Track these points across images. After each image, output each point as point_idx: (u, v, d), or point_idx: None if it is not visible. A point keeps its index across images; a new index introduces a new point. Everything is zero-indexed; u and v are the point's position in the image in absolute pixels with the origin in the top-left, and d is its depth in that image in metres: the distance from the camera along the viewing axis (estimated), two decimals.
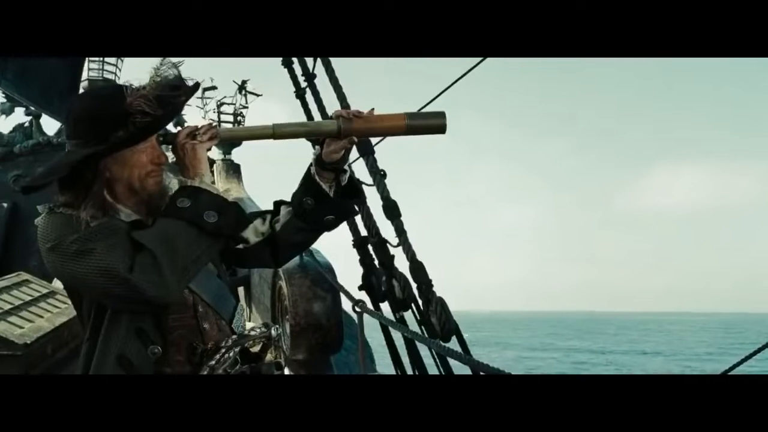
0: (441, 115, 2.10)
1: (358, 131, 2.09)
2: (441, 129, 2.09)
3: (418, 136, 2.13)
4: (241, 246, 2.22)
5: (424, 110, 2.68)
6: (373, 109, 2.11)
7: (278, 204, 2.32)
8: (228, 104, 13.50)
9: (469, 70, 3.54)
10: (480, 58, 3.28)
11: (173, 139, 2.05)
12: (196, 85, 2.02)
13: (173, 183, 2.06)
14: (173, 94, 1.94)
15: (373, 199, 3.88)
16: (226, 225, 1.93)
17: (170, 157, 2.09)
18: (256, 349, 2.04)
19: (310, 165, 2.20)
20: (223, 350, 1.98)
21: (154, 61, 1.89)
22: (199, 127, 2.05)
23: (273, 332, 2.05)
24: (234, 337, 2.03)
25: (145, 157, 2.00)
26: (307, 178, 2.20)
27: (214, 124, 2.05)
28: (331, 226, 2.27)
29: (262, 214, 2.31)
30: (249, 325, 2.21)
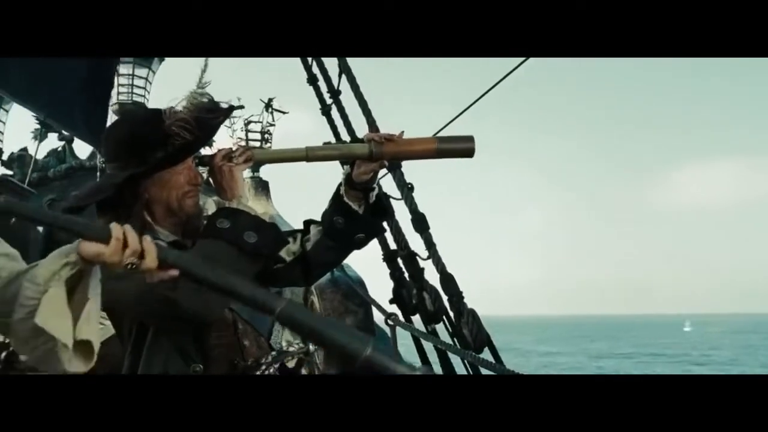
0: (470, 139, 2.14)
1: (388, 154, 2.14)
2: (469, 153, 2.14)
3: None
4: (277, 265, 2.24)
5: (462, 112, 2.71)
6: (402, 132, 2.15)
7: (308, 223, 2.36)
8: (255, 122, 13.63)
9: (511, 71, 3.57)
10: (523, 58, 3.27)
11: (210, 162, 2.11)
12: (231, 108, 2.07)
13: (209, 203, 2.11)
14: (209, 116, 2.00)
15: (401, 212, 3.90)
16: (265, 245, 1.98)
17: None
18: (291, 364, 2.08)
19: (340, 185, 2.24)
20: (263, 366, 2.03)
21: (184, 87, 1.93)
22: (235, 149, 2.10)
23: (311, 347, 2.08)
24: (273, 353, 2.08)
25: (182, 179, 2.06)
26: (337, 197, 2.23)
27: (249, 146, 2.09)
28: (361, 244, 2.31)
29: (292, 233, 2.35)
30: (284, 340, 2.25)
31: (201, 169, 2.14)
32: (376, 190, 2.26)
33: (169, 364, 1.95)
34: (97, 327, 1.51)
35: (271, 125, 14.10)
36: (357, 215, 2.21)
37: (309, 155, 2.17)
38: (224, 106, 2.06)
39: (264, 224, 2.01)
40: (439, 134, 3.10)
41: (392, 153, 2.15)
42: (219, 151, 2.12)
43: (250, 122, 13.72)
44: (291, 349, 2.10)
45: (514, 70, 3.70)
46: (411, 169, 3.83)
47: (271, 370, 2.02)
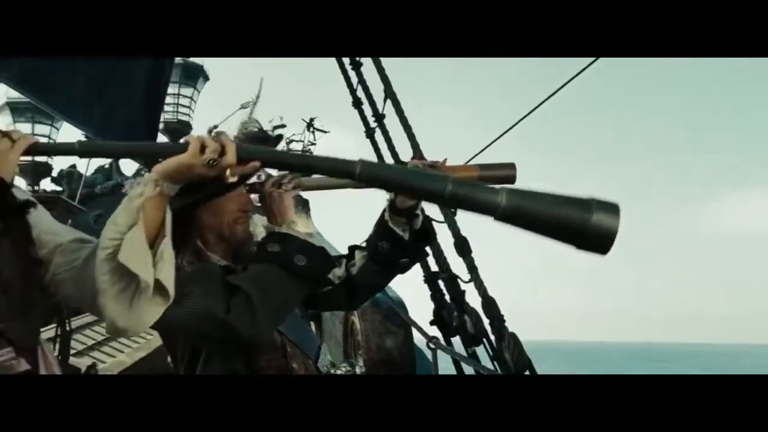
0: (511, 166, 2.18)
1: None
2: (511, 180, 2.17)
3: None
4: (328, 288, 2.30)
5: (502, 134, 2.74)
6: (446, 159, 2.20)
7: (353, 249, 2.42)
8: (297, 141, 13.80)
9: (580, 72, 3.59)
10: (593, 58, 3.29)
11: (260, 188, 2.17)
12: (280, 137, 2.15)
13: (259, 230, 2.18)
14: (261, 145, 2.06)
15: (443, 235, 3.93)
16: (315, 267, 2.04)
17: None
18: None
19: (384, 211, 2.29)
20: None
21: (226, 106, 1.98)
22: (285, 176, 2.16)
23: (358, 370, 2.13)
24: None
25: (234, 205, 2.14)
26: (381, 223, 2.28)
27: (297, 174, 2.16)
28: (405, 268, 2.37)
29: (337, 258, 2.39)
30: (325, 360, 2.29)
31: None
32: (420, 216, 2.30)
33: None
34: (172, 267, 1.59)
35: (312, 144, 14.27)
36: (401, 240, 2.26)
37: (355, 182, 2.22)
38: (273, 134, 2.14)
39: (313, 248, 2.06)
40: (480, 154, 3.14)
41: None
42: (269, 177, 2.18)
43: (291, 141, 13.88)
44: (338, 372, 2.14)
45: (554, 93, 3.72)
46: None
47: None
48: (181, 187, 2.01)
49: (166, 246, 1.60)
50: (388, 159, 4.13)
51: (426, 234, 2.36)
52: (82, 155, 1.68)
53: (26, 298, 1.65)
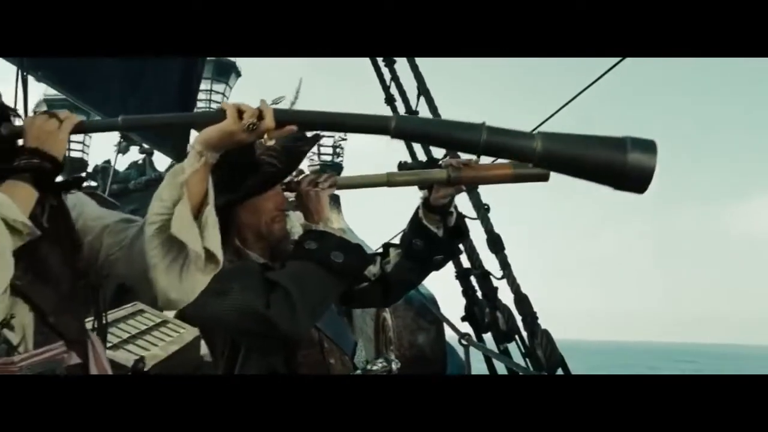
0: None
1: (466, 179, 2.20)
2: (544, 177, 2.16)
3: None
4: (363, 285, 2.33)
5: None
6: (480, 157, 2.19)
7: (387, 246, 2.46)
8: (327, 137, 13.85)
9: (606, 72, 3.58)
10: (619, 58, 3.28)
11: (297, 187, 2.21)
12: (317, 137, 2.16)
13: (295, 228, 2.20)
14: (297, 144, 2.09)
15: (476, 232, 3.93)
16: (352, 264, 2.07)
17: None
18: None
19: (418, 208, 2.31)
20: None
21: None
22: (321, 175, 2.20)
23: (394, 366, 2.14)
24: (358, 371, 2.13)
25: (271, 204, 2.17)
26: (415, 220, 2.31)
27: (333, 173, 2.19)
28: (439, 265, 2.40)
29: (372, 256, 2.43)
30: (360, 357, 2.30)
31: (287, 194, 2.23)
32: (454, 213, 2.32)
33: None
34: (217, 233, 1.64)
35: (343, 140, 14.32)
36: (436, 238, 2.28)
37: (390, 181, 2.25)
38: (309, 135, 2.15)
39: (350, 245, 2.09)
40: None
41: (469, 178, 2.22)
42: (305, 177, 2.23)
43: (321, 137, 13.94)
44: (374, 368, 2.16)
45: (582, 92, 3.70)
46: (488, 189, 3.86)
47: None
48: (219, 187, 2.04)
49: (210, 213, 1.64)
50: (421, 156, 4.13)
51: (460, 231, 2.37)
52: (125, 130, 1.72)
53: (74, 293, 1.71)
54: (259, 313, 1.91)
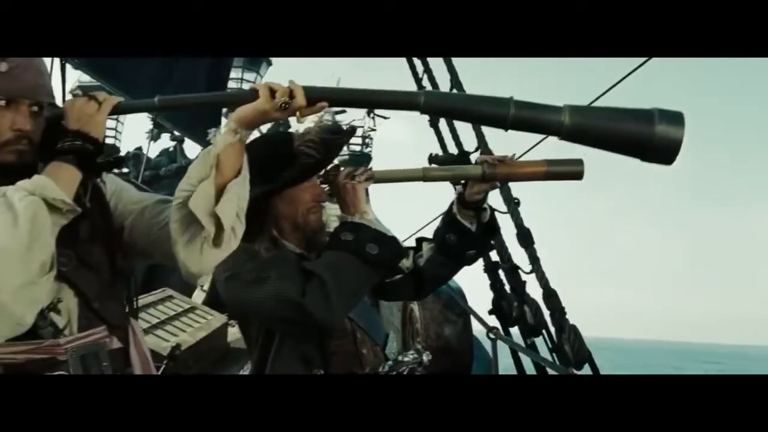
0: (579, 162, 2.18)
1: (500, 176, 2.22)
2: (578, 176, 2.18)
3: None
4: (395, 278, 2.36)
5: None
6: (514, 154, 2.24)
7: (420, 240, 2.48)
8: (357, 127, 13.89)
9: (634, 70, 3.57)
10: (645, 58, 3.26)
11: (334, 179, 2.24)
12: (353, 129, 2.19)
13: (331, 219, 2.23)
14: (334, 137, 2.12)
15: (506, 226, 3.93)
16: (386, 256, 2.10)
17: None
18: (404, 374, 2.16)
19: (452, 204, 2.34)
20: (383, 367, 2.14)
21: None
22: (358, 169, 2.23)
23: (424, 358, 2.16)
24: (390, 362, 2.18)
25: (308, 195, 2.21)
26: (449, 215, 2.34)
27: (370, 166, 2.22)
28: (471, 260, 2.42)
29: (406, 249, 2.43)
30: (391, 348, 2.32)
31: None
32: (488, 210, 2.35)
33: (294, 369, 2.08)
34: (233, 207, 1.68)
35: (373, 130, 14.37)
36: (469, 233, 2.31)
37: (425, 175, 2.28)
38: (346, 127, 2.19)
39: (385, 237, 2.12)
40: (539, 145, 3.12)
41: (504, 175, 2.23)
42: (343, 169, 2.25)
43: (357, 129, 14.00)
44: (405, 359, 2.18)
45: (608, 90, 3.67)
46: (518, 183, 3.85)
47: None
48: (258, 177, 2.07)
49: (233, 186, 1.68)
50: (452, 149, 4.15)
51: (493, 227, 2.40)
52: (161, 110, 1.75)
53: (115, 280, 1.78)
54: (295, 300, 1.95)
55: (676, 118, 1.60)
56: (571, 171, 2.18)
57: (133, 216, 1.83)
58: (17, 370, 1.52)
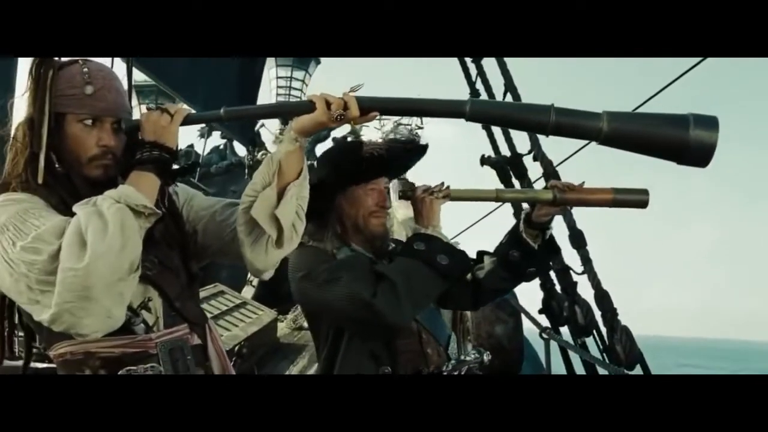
0: (644, 192, 2.27)
1: (570, 201, 2.35)
2: (643, 205, 2.27)
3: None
4: (457, 288, 2.45)
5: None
6: (583, 182, 2.34)
7: (481, 254, 2.60)
8: (404, 125, 13.92)
9: (686, 71, 3.56)
10: (700, 59, 3.28)
11: (412, 194, 2.38)
12: (425, 146, 2.31)
13: (395, 227, 2.34)
14: (400, 145, 2.24)
15: (557, 227, 3.95)
16: (456, 267, 2.22)
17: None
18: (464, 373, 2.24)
19: (518, 222, 2.47)
20: (444, 374, 2.24)
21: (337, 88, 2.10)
22: (437, 186, 2.37)
23: (485, 358, 2.24)
24: (453, 362, 2.28)
25: (370, 200, 2.34)
26: (515, 234, 2.46)
27: (447, 184, 2.35)
28: (531, 277, 2.56)
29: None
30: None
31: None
32: (551, 230, 2.47)
33: (361, 367, 2.18)
34: (292, 209, 1.84)
35: (420, 128, 14.37)
36: (533, 251, 2.44)
37: (498, 197, 2.45)
38: (419, 142, 2.37)
39: (455, 250, 2.26)
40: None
41: (573, 200, 2.34)
42: (421, 185, 2.39)
43: (399, 124, 14.02)
44: (467, 359, 2.27)
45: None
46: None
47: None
48: (331, 174, 2.24)
49: (292, 187, 1.83)
50: (505, 151, 4.17)
51: (554, 247, 2.53)
52: (226, 121, 1.87)
53: (190, 281, 1.93)
54: (366, 301, 2.06)
55: (710, 123, 1.66)
56: (637, 200, 2.27)
57: (204, 221, 1.98)
58: (113, 362, 1.67)
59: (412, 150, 2.35)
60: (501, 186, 4.21)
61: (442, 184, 2.38)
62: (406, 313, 2.12)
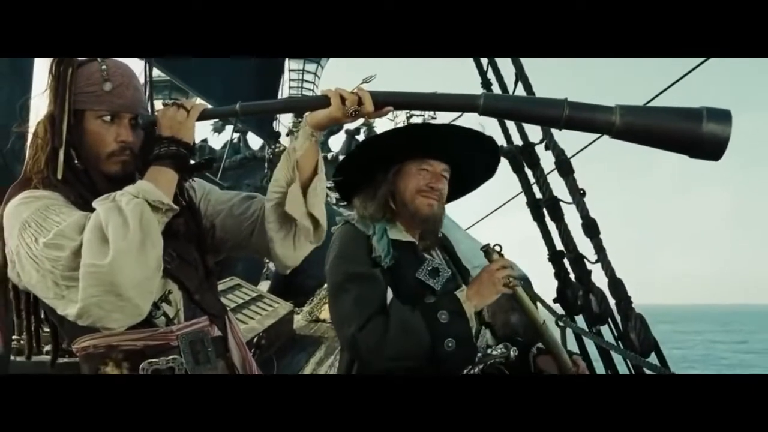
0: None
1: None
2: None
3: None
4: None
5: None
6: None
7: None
8: (417, 116, 13.94)
9: (693, 69, 3.56)
10: (704, 58, 3.27)
11: (489, 259, 2.36)
12: (495, 148, 2.46)
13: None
14: (466, 135, 2.36)
15: (571, 216, 3.95)
16: (454, 360, 2.17)
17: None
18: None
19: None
20: (470, 366, 2.23)
21: (349, 81, 2.14)
22: (513, 281, 2.33)
23: (512, 353, 2.27)
24: (479, 355, 2.26)
25: (421, 178, 2.35)
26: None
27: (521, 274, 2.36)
28: None
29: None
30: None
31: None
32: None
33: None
34: (322, 201, 1.91)
35: (433, 119, 14.37)
36: None
37: (541, 326, 2.44)
38: (482, 139, 2.37)
39: (471, 342, 2.21)
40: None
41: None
42: (505, 262, 2.33)
43: (412, 116, 14.07)
44: (494, 353, 2.25)
45: (665, 90, 3.66)
46: (583, 175, 3.89)
47: (476, 371, 2.19)
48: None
49: (317, 182, 1.90)
50: (517, 140, 4.16)
51: None
52: (242, 116, 1.90)
53: (208, 274, 1.95)
54: (351, 333, 2.10)
55: (723, 116, 1.65)
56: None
57: (222, 215, 2.01)
58: (136, 354, 1.71)
59: (472, 142, 2.35)
60: (513, 174, 4.22)
61: (519, 281, 2.33)
62: (380, 362, 2.09)
